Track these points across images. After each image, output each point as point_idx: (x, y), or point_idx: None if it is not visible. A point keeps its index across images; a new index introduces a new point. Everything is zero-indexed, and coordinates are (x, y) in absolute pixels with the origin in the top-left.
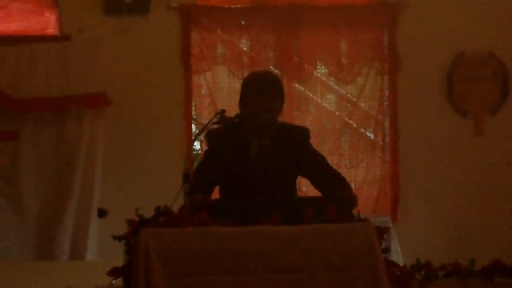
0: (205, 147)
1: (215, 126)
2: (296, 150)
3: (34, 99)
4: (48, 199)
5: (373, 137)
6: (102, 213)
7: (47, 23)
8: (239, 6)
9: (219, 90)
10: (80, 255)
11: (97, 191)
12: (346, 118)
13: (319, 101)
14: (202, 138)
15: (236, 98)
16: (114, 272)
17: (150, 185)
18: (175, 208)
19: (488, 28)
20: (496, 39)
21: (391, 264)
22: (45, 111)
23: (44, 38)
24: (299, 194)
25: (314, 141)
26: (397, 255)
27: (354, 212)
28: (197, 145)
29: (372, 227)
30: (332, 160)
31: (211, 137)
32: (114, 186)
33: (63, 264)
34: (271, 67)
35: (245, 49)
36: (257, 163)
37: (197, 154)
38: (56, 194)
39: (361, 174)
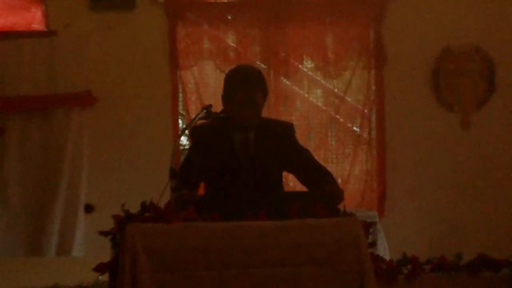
0: (190, 143)
1: (201, 121)
2: (281, 145)
3: (20, 98)
4: (35, 196)
5: (359, 132)
6: (89, 208)
7: (33, 18)
8: (225, 0)
9: (205, 85)
10: (67, 251)
11: (84, 187)
12: (332, 113)
13: (306, 96)
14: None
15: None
16: (100, 268)
17: (137, 181)
18: (162, 204)
19: (474, 22)
20: (482, 33)
21: (377, 258)
22: (31, 110)
23: (31, 34)
24: (286, 189)
25: (300, 136)
26: (384, 250)
27: (340, 206)
28: (184, 140)
29: (358, 221)
30: (318, 155)
31: (195, 133)
32: (101, 182)
33: (50, 260)
34: (257, 62)
35: (231, 44)
36: (242, 158)
37: (183, 149)
38: (43, 190)
39: (348, 169)
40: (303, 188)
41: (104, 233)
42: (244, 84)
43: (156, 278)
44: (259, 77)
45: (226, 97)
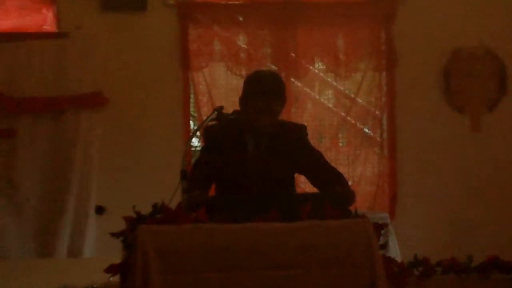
0: (202, 144)
1: (213, 122)
2: (293, 147)
3: (30, 99)
4: (46, 197)
5: (370, 133)
6: (100, 210)
7: (44, 20)
8: (236, 2)
9: (216, 87)
10: (78, 252)
11: (95, 188)
12: (343, 114)
13: (317, 97)
14: (199, 135)
15: (234, 94)
16: (111, 269)
17: (148, 182)
18: (173, 205)
19: (484, 24)
20: (493, 35)
21: (388, 260)
22: (41, 111)
23: (42, 35)
24: (297, 190)
25: (311, 137)
26: (395, 252)
27: (352, 208)
28: (195, 141)
29: (370, 223)
30: (329, 157)
31: (208, 134)
32: (112, 183)
33: (61, 261)
34: (268, 64)
35: (242, 45)
36: (254, 160)
37: (194, 151)
38: (54, 192)
39: (359, 171)
40: (315, 190)
41: (115, 235)
42: (264, 93)
43: (167, 280)
44: (279, 86)
45: (244, 101)
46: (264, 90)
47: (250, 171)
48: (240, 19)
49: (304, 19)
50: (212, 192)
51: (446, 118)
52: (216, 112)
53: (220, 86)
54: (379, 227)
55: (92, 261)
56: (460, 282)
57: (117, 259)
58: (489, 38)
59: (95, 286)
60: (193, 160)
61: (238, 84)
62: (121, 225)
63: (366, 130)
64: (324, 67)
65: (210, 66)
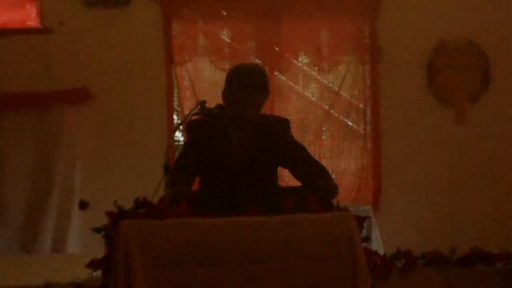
0: (185, 139)
1: (196, 117)
2: (276, 141)
3: (15, 95)
4: (29, 193)
5: (354, 126)
6: (83, 205)
7: (28, 15)
8: None
9: (200, 81)
10: (62, 248)
11: (79, 184)
12: (327, 108)
13: (301, 90)
14: (182, 129)
15: (218, 89)
16: (93, 264)
17: (133, 177)
18: (157, 200)
19: (468, 16)
20: (477, 27)
21: (371, 253)
22: (25, 107)
23: (25, 31)
24: (281, 184)
25: (295, 131)
26: (378, 245)
27: (334, 201)
28: (179, 136)
29: (352, 216)
30: (313, 150)
31: (191, 128)
32: (96, 178)
33: (44, 257)
34: (255, 60)
35: (226, 40)
36: (238, 154)
37: (178, 145)
38: (38, 187)
39: (343, 164)
40: (298, 184)
41: (97, 230)
42: (247, 85)
43: (149, 274)
44: (262, 78)
45: (227, 95)
46: (247, 82)
47: (233, 165)
48: (224, 13)
49: (288, 13)
50: (195, 186)
51: (430, 110)
52: (199, 106)
53: (204, 81)
54: (361, 220)
55: (76, 257)
56: (443, 274)
57: (101, 254)
58: (472, 30)
59: (78, 281)
60: (176, 155)
61: (222, 78)
62: (105, 221)
63: (350, 123)
64: (307, 60)
65: (194, 61)
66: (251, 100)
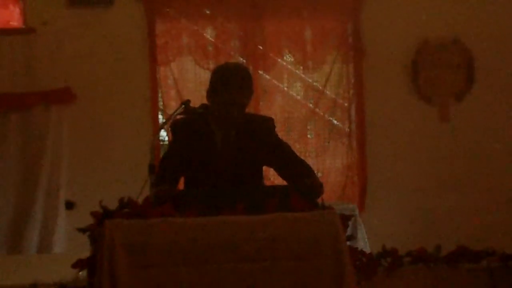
0: (170, 138)
1: (180, 116)
2: (261, 140)
3: None
4: (15, 194)
5: (339, 125)
6: (70, 205)
7: (11, 16)
8: None
9: (185, 81)
10: (48, 248)
11: (64, 184)
12: (312, 106)
13: (285, 89)
14: (167, 129)
15: (202, 88)
16: (79, 264)
17: (118, 177)
18: (142, 200)
19: (452, 14)
20: (461, 25)
21: (356, 251)
22: (9, 108)
23: (8, 31)
24: (266, 183)
25: (280, 130)
26: (364, 243)
27: (319, 200)
28: (164, 135)
29: (337, 214)
30: (298, 148)
31: (175, 127)
32: (82, 178)
33: (30, 257)
34: (239, 59)
35: (210, 39)
36: (222, 153)
37: (163, 145)
38: (23, 188)
39: (328, 162)
40: (283, 183)
41: (82, 230)
42: (231, 85)
43: (134, 274)
44: (246, 78)
45: (211, 94)
46: (231, 82)
47: (218, 164)
48: (208, 12)
49: (271, 12)
50: (180, 185)
51: (415, 108)
52: (183, 106)
53: (189, 80)
54: (346, 218)
55: (62, 257)
56: (429, 272)
57: (87, 254)
58: (457, 28)
59: (64, 281)
60: (161, 154)
61: (206, 77)
62: (91, 220)
63: (335, 122)
64: (292, 59)
65: (178, 60)
66: (235, 100)
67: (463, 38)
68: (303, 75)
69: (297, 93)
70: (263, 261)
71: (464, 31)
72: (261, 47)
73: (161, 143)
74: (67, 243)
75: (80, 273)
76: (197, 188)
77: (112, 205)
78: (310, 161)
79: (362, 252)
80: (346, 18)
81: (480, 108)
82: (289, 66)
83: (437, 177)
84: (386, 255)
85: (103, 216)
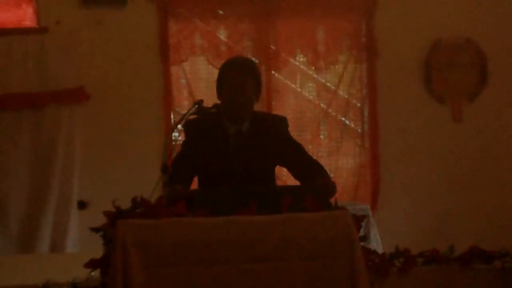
0: (183, 138)
1: (193, 116)
2: (274, 139)
3: (11, 95)
4: (28, 193)
5: (352, 125)
6: (82, 205)
7: (24, 15)
8: None
9: (197, 81)
10: (60, 247)
11: (77, 184)
12: (324, 107)
13: (298, 89)
14: (179, 129)
15: (215, 88)
16: (91, 264)
17: (131, 176)
18: (154, 200)
19: (465, 14)
20: (474, 25)
21: (369, 252)
22: (22, 108)
23: (21, 31)
24: (279, 183)
25: (292, 130)
26: (377, 243)
27: (332, 200)
28: (177, 135)
29: (350, 215)
30: (311, 149)
31: (188, 127)
32: (94, 178)
33: (43, 256)
34: (248, 56)
35: (223, 39)
36: (235, 152)
37: (175, 145)
38: (36, 188)
39: (340, 162)
40: (296, 183)
41: (95, 230)
42: (234, 70)
43: (147, 274)
44: (250, 64)
45: (219, 88)
46: (234, 68)
47: (231, 164)
48: (221, 12)
49: (284, 12)
50: (193, 185)
51: (427, 109)
52: (196, 106)
53: (201, 80)
54: (359, 219)
55: (74, 257)
56: (442, 273)
57: (99, 254)
58: (470, 28)
59: (76, 281)
60: (174, 154)
61: None
62: (103, 220)
63: (347, 122)
64: (304, 59)
65: (191, 60)
66: (240, 84)
67: (476, 38)
68: (315, 75)
69: (310, 93)
70: (276, 261)
71: (477, 31)
72: (273, 47)
73: (174, 143)
74: (80, 242)
75: (93, 273)
76: (210, 188)
77: (125, 204)
78: (322, 161)
79: (375, 253)
80: (359, 18)
81: (493, 108)
82: (302, 66)
83: (449, 177)
84: (399, 256)
85: (115, 215)
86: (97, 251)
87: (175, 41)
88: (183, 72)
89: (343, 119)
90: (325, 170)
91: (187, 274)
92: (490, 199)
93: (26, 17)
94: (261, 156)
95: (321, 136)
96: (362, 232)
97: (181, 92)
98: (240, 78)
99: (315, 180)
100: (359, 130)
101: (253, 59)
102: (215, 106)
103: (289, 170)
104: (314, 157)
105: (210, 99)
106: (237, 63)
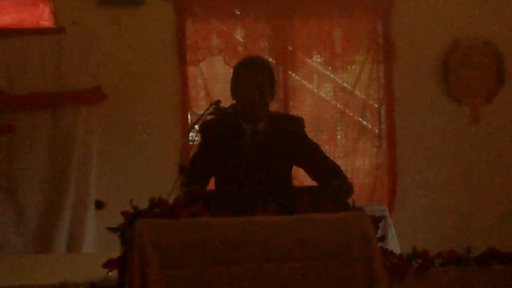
0: (199, 139)
1: (210, 117)
2: (290, 139)
3: (28, 95)
4: (45, 193)
5: (369, 126)
6: (99, 205)
7: (41, 15)
8: None
9: (214, 81)
10: (77, 247)
11: (94, 184)
12: (341, 107)
13: (315, 90)
14: (196, 129)
15: None
16: (109, 264)
17: (148, 177)
18: (172, 200)
19: (483, 15)
20: (491, 26)
21: (386, 252)
22: (39, 108)
23: (39, 31)
24: (295, 183)
25: (309, 130)
26: (394, 244)
27: (350, 201)
28: (193, 136)
29: (367, 216)
30: (328, 149)
31: (205, 128)
32: (112, 178)
33: (60, 256)
34: (269, 59)
35: (239, 39)
36: (252, 153)
37: (192, 145)
38: (53, 187)
39: (357, 163)
40: (312, 183)
41: (112, 229)
42: (248, 69)
43: (165, 274)
44: (263, 63)
45: (233, 87)
46: (248, 66)
47: (248, 165)
48: (238, 12)
49: (301, 12)
50: (211, 186)
51: (445, 109)
52: (213, 106)
53: (218, 80)
54: (377, 220)
55: (92, 256)
56: (459, 274)
57: (117, 254)
58: (487, 29)
59: (94, 281)
60: (191, 155)
61: None
62: (121, 220)
63: (364, 123)
64: (321, 59)
65: (208, 60)
66: (254, 81)
67: (493, 39)
68: (332, 76)
69: (327, 93)
70: (294, 261)
71: (495, 32)
72: (290, 47)
73: (191, 143)
74: (97, 242)
75: (110, 273)
76: (227, 189)
77: (142, 205)
78: (339, 162)
79: (392, 254)
80: (376, 18)
81: (510, 109)
82: (319, 67)
83: (467, 178)
84: (417, 257)
85: (133, 215)
86: (115, 251)
87: (192, 41)
88: (200, 73)
89: (360, 119)
90: (342, 171)
91: (205, 274)
92: (507, 200)
93: (43, 17)
94: (277, 156)
95: (338, 137)
96: (379, 233)
97: (198, 92)
98: (253, 77)
99: (332, 180)
100: (376, 130)
101: (269, 59)
102: (232, 106)
103: (306, 170)
104: (331, 158)
105: (227, 99)
106: (251, 62)
